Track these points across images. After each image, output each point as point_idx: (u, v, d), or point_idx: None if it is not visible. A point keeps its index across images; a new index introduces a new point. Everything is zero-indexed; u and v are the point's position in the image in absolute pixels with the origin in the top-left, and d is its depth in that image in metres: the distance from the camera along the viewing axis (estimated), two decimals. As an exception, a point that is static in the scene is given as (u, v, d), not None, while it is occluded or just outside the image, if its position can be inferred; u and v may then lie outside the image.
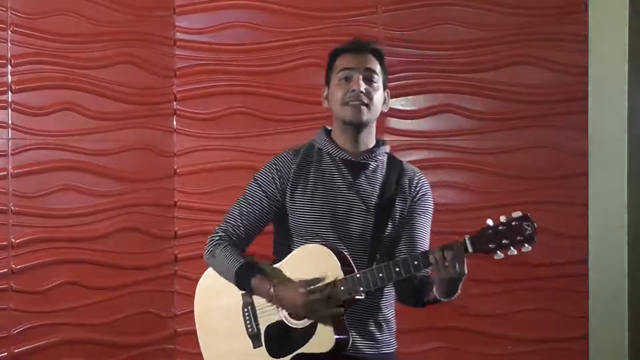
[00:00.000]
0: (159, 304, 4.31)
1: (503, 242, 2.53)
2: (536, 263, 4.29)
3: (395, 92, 4.34)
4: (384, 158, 2.84)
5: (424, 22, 4.36)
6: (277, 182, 2.79)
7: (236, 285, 2.76)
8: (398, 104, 4.37)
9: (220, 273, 2.81)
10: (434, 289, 2.67)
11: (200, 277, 2.93)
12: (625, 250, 4.23)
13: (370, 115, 2.78)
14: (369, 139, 2.82)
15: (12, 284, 4.08)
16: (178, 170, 4.39)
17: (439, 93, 4.38)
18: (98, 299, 4.23)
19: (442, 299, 2.67)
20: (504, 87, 4.34)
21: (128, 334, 4.27)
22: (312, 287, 2.64)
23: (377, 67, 2.80)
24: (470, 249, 2.55)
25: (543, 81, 4.33)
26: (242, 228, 2.80)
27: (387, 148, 2.86)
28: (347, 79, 2.77)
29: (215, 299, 2.85)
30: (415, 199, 2.84)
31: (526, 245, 2.53)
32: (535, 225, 2.53)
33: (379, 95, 2.79)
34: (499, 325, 4.32)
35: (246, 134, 4.36)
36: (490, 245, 2.54)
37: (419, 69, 4.37)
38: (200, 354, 2.91)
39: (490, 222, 2.56)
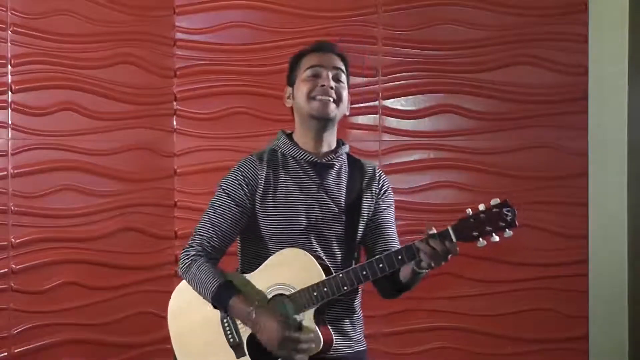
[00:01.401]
0: (159, 304, 4.24)
1: (486, 229, 2.52)
2: (536, 263, 4.30)
3: (395, 92, 4.38)
4: (345, 157, 2.85)
5: (424, 22, 4.37)
6: (245, 189, 2.75)
7: (212, 305, 2.72)
8: (398, 104, 4.38)
9: (195, 290, 2.76)
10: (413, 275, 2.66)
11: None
12: (625, 250, 4.23)
13: (337, 112, 2.77)
14: (331, 138, 2.81)
15: (12, 284, 4.08)
16: (178, 170, 4.39)
17: (439, 93, 4.39)
18: (98, 299, 4.23)
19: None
20: (504, 87, 4.35)
21: (128, 334, 4.27)
22: (291, 333, 2.60)
23: (344, 69, 2.82)
24: (454, 239, 2.54)
25: (543, 81, 4.34)
26: (215, 239, 2.75)
27: (347, 148, 2.86)
28: (316, 75, 2.77)
29: (190, 317, 2.81)
30: (380, 195, 2.85)
31: (507, 230, 2.51)
32: (516, 210, 2.52)
33: (345, 95, 2.80)
34: (499, 325, 4.32)
35: (246, 134, 4.36)
36: (473, 234, 2.53)
37: (419, 69, 4.37)
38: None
39: (469, 211, 2.55)
